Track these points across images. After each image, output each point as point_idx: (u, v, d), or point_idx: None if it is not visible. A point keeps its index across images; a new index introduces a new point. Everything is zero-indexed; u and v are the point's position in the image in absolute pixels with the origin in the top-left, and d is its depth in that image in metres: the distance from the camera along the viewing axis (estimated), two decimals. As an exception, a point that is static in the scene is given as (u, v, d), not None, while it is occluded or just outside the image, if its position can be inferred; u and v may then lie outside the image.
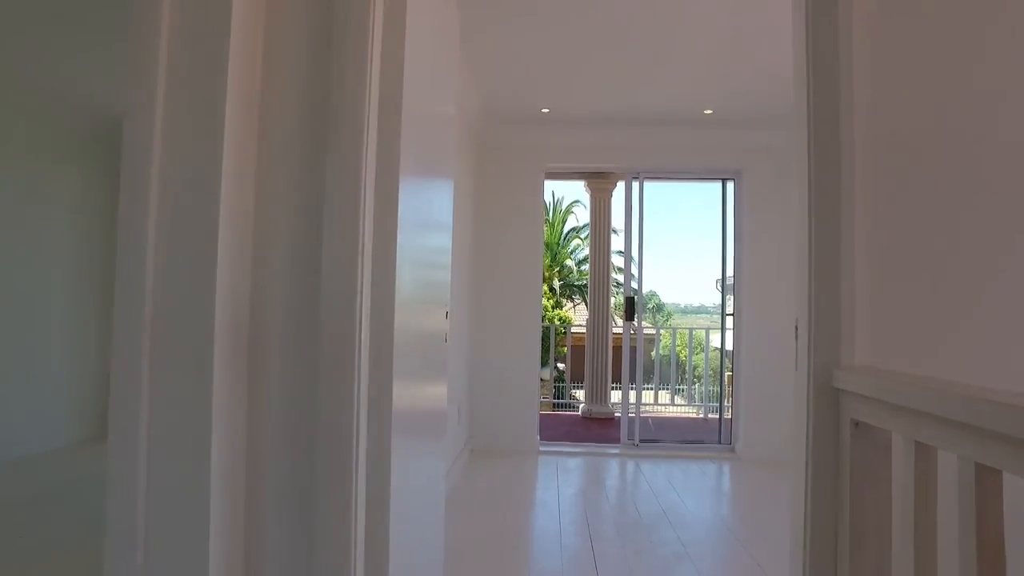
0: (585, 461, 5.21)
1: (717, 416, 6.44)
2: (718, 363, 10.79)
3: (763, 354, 5.37)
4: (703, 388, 8.81)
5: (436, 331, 2.22)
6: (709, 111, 4.88)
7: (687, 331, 9.10)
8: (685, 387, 8.99)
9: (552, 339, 9.61)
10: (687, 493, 4.34)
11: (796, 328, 1.78)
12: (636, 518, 3.79)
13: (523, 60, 4.10)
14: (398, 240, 1.60)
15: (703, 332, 9.90)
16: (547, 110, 4.98)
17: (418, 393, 2.02)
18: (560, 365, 10.12)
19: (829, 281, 1.68)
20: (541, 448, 5.43)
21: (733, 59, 3.97)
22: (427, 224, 2.03)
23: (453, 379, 4.62)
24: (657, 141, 5.43)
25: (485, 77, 4.43)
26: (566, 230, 19.47)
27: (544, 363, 13.13)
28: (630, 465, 5.15)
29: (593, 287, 7.25)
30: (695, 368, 9.34)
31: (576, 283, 18.67)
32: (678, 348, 8.48)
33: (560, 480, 4.61)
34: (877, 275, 1.72)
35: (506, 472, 4.76)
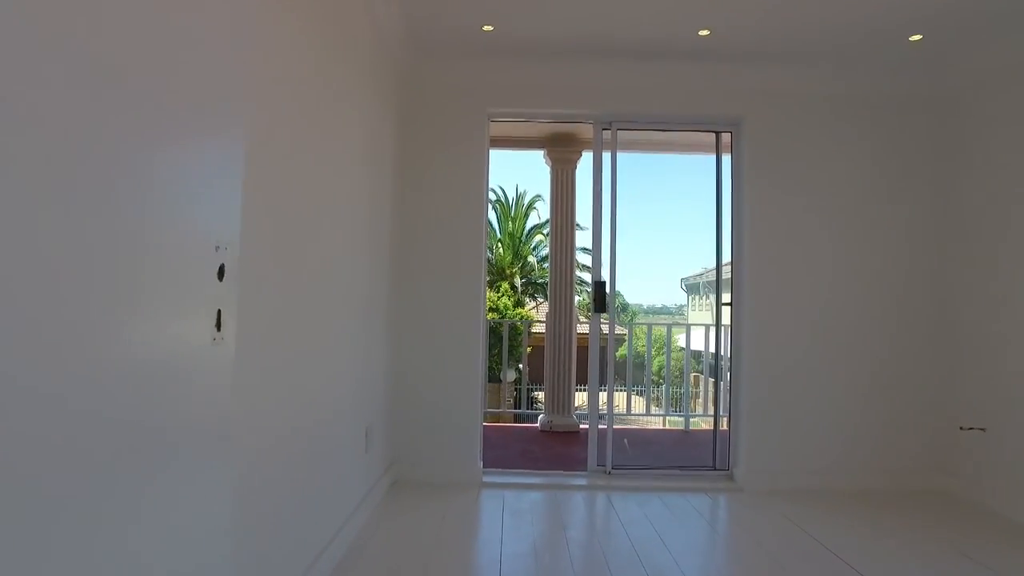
0: (542, 498, 3.83)
1: (710, 429, 5.14)
2: (698, 365, 9.55)
3: (772, 354, 4.07)
4: (682, 392, 7.52)
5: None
6: (705, 32, 3.54)
7: (664, 328, 7.79)
8: (662, 393, 7.70)
9: (504, 337, 8.28)
10: (682, 549, 3.00)
11: None
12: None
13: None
14: None
15: (673, 330, 8.63)
16: (491, 28, 3.60)
17: None
18: (523, 367, 8.76)
19: None
20: (485, 479, 4.04)
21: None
22: None
23: (363, 390, 3.23)
24: (635, 79, 4.09)
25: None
26: (529, 226, 18.16)
27: (508, 364, 11.82)
28: (600, 502, 3.79)
29: (555, 275, 5.89)
30: (664, 370, 8.07)
31: (539, 281, 17.35)
32: (644, 348, 7.17)
33: (506, 529, 3.23)
34: None
35: (433, 517, 3.36)
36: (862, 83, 4.11)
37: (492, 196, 17.86)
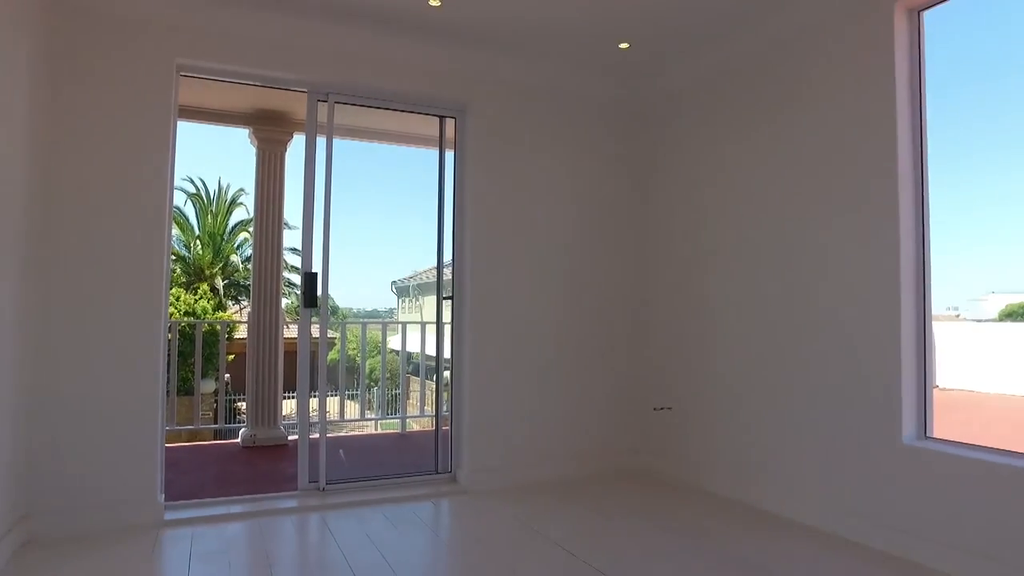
0: (243, 531, 3.09)
1: (427, 431, 4.82)
2: (409, 366, 9.29)
3: (492, 351, 3.89)
4: (398, 394, 7.15)
5: None
6: (436, 2, 3.19)
7: (379, 327, 7.35)
8: (374, 396, 7.24)
9: (197, 343, 7.13)
10: (411, 572, 2.58)
11: None
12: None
13: None
14: None
15: (387, 331, 8.31)
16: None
17: None
18: (222, 377, 7.53)
19: None
20: (168, 516, 3.15)
21: None
22: None
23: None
24: (358, 47, 3.58)
25: None
26: (233, 222, 16.24)
27: (206, 374, 10.13)
28: (314, 525, 3.19)
29: (259, 272, 5.05)
30: (377, 373, 7.67)
31: (244, 282, 15.60)
32: (356, 351, 6.69)
33: (192, 582, 2.47)
34: None
35: (84, 582, 2.43)
36: (581, 83, 4.18)
37: (189, 188, 15.55)
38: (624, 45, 3.66)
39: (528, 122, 4.04)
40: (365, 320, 15.39)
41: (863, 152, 2.97)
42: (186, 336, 8.81)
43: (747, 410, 3.54)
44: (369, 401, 11.09)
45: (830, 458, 3.07)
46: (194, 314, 11.73)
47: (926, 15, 2.90)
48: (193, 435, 6.86)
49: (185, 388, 8.08)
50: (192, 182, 15.69)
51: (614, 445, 4.24)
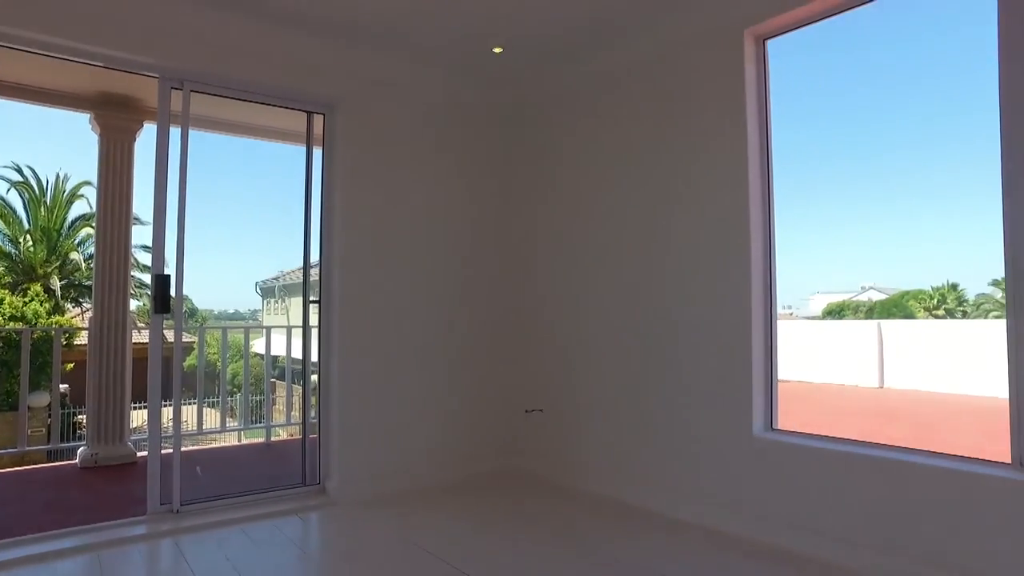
0: (79, 569, 2.73)
1: (294, 439, 4.54)
2: (275, 371, 8.79)
3: (363, 355, 3.74)
4: (262, 401, 6.72)
5: None
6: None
7: (240, 332, 6.86)
8: (237, 403, 6.77)
9: (24, 352, 6.39)
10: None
11: None
12: None
13: None
14: None
15: (251, 335, 7.83)
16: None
17: None
18: (56, 389, 6.66)
19: None
20: (-18, 554, 2.72)
21: None
22: None
23: None
24: (217, 33, 3.28)
25: None
26: (71, 216, 14.57)
27: (39, 385, 8.85)
28: (167, 554, 2.89)
29: (103, 273, 4.51)
30: (239, 379, 7.15)
31: (86, 283, 14.04)
32: (214, 355, 6.22)
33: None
34: None
35: None
36: (457, 87, 4.13)
37: (14, 176, 13.75)
38: (498, 49, 3.65)
39: (401, 123, 3.92)
40: (227, 325, 14.41)
41: (719, 163, 3.17)
42: (12, 344, 7.73)
43: (616, 409, 3.66)
44: (232, 409, 10.36)
45: (692, 452, 3.24)
46: (23, 319, 10.36)
47: (769, 44, 3.14)
48: (20, 459, 6.02)
49: (10, 403, 7.08)
50: (19, 171, 13.89)
51: (490, 448, 4.23)
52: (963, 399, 9.75)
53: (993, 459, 2.40)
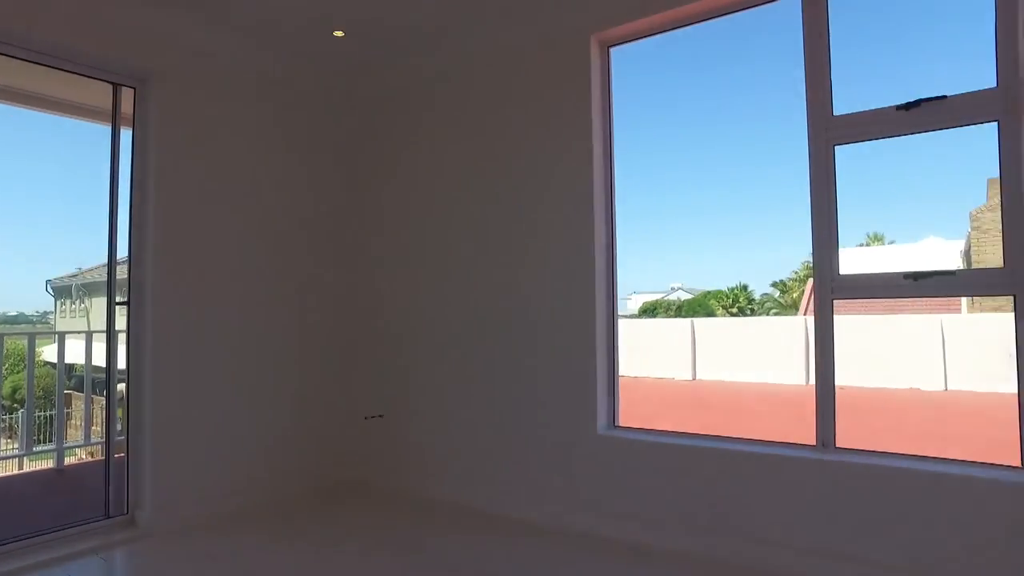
0: None
1: (96, 462, 3.86)
2: (70, 382, 7.58)
3: (180, 364, 3.28)
4: (54, 417, 5.70)
5: None
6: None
7: (24, 339, 5.78)
8: (18, 422, 5.70)
9: None
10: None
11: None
12: None
13: None
14: None
15: (38, 341, 6.71)
16: None
17: None
18: None
19: None
20: None
21: None
22: None
23: None
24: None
25: None
26: None
27: None
28: (-87, 619, 2.28)
29: None
30: (16, 391, 6.03)
31: None
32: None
33: None
34: None
35: None
36: (294, 68, 3.76)
37: None
38: (339, 33, 3.38)
39: (230, 104, 3.49)
40: (3, 332, 12.28)
41: (564, 164, 3.19)
42: None
43: (460, 412, 3.55)
44: (11, 428, 8.76)
45: (538, 453, 3.23)
46: None
47: (613, 51, 3.24)
48: None
49: None
50: None
51: (329, 459, 3.92)
52: (759, 387, 11.11)
53: (795, 441, 2.68)
